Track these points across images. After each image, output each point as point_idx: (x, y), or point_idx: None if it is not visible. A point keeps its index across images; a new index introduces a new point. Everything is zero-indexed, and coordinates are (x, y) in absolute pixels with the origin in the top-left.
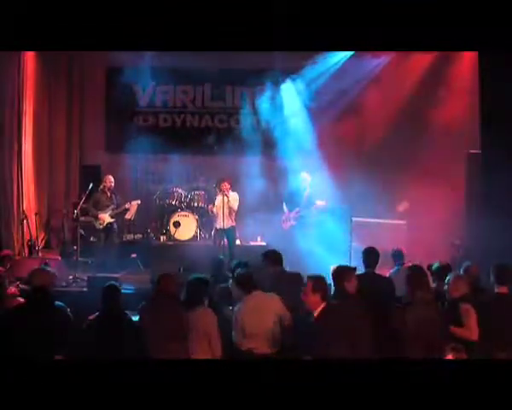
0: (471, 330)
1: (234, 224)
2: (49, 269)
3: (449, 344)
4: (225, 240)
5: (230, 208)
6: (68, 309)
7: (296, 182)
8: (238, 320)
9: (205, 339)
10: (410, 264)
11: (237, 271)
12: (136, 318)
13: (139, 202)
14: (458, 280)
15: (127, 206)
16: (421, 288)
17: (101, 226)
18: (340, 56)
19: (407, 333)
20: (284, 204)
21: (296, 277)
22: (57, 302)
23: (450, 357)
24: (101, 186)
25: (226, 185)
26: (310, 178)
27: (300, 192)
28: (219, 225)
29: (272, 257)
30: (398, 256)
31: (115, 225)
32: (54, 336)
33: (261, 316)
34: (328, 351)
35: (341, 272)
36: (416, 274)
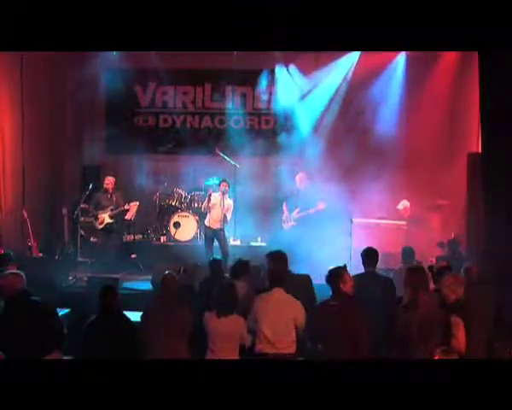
0: (460, 342)
1: (221, 227)
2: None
3: (439, 347)
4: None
5: (222, 210)
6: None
7: (296, 182)
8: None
9: (238, 343)
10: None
11: None
12: (135, 318)
13: (138, 203)
14: (453, 282)
15: (126, 207)
16: (421, 289)
17: (100, 226)
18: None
19: (408, 334)
20: (284, 204)
21: (305, 278)
22: (33, 297)
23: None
24: (102, 187)
25: (224, 186)
26: (309, 179)
27: (300, 193)
28: (207, 222)
29: (277, 257)
30: (408, 254)
31: (115, 226)
32: (42, 329)
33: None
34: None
35: (336, 274)
36: (416, 275)
